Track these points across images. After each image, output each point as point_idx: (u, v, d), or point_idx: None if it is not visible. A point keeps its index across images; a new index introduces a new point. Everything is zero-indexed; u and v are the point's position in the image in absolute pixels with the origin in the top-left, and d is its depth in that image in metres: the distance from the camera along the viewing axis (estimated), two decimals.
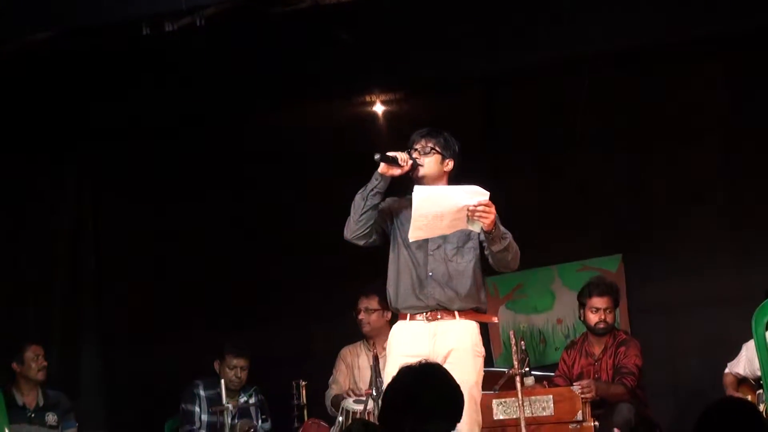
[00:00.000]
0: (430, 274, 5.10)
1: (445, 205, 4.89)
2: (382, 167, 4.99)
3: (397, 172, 5.00)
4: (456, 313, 5.11)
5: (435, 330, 5.08)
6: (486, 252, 5.07)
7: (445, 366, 4.74)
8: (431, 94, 7.77)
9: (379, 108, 7.83)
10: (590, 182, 7.66)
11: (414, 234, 4.93)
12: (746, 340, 6.15)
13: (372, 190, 5.02)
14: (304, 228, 7.88)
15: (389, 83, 7.68)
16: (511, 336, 5.86)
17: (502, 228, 4.97)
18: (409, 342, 5.07)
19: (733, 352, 6.48)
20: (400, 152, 5.05)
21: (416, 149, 5.11)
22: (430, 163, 5.08)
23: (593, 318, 6.60)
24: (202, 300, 8.05)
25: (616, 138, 7.67)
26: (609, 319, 6.62)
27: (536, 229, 7.52)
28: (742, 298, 6.44)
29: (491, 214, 4.81)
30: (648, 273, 7.52)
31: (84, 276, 8.01)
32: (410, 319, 5.14)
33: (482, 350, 5.12)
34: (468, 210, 4.85)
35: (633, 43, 6.95)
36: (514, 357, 5.67)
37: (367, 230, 5.15)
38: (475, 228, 4.87)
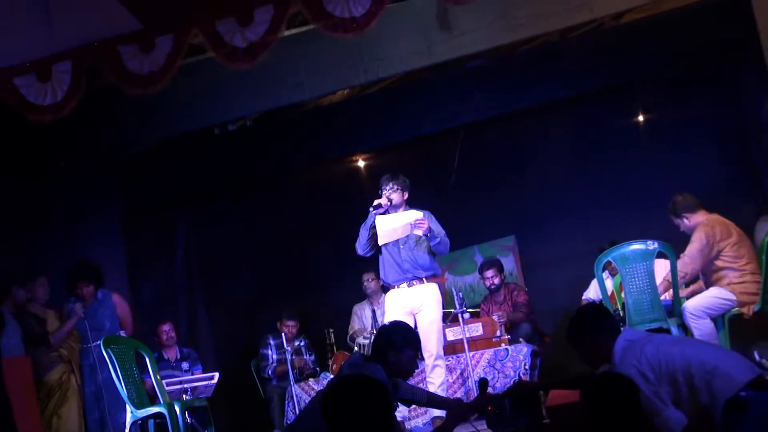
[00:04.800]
0: (405, 258, 5.74)
1: (396, 224, 5.67)
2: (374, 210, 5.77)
3: (381, 209, 5.74)
4: (424, 279, 5.74)
5: (412, 291, 5.75)
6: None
7: (421, 311, 5.71)
8: (410, 149, 8.25)
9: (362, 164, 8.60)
10: (496, 195, 8.36)
11: (381, 240, 5.70)
12: (593, 278, 6.90)
13: (371, 224, 5.71)
14: (329, 241, 8.23)
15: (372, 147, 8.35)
16: (453, 290, 6.34)
17: (435, 231, 5.71)
18: (399, 300, 5.77)
19: (586, 287, 7.29)
20: (380, 200, 5.71)
21: (388, 189, 5.75)
22: (396, 197, 5.78)
23: (487, 282, 7.31)
24: (268, 287, 8.55)
25: (511, 170, 8.17)
26: (496, 281, 7.25)
27: (466, 224, 8.10)
28: (589, 253, 6.80)
29: (424, 226, 5.64)
30: (531, 244, 8.36)
31: (196, 278, 8.45)
32: (397, 287, 5.78)
33: (441, 300, 5.86)
34: (410, 224, 5.62)
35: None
36: (456, 302, 6.15)
37: (372, 247, 5.80)
38: (418, 233, 5.70)
